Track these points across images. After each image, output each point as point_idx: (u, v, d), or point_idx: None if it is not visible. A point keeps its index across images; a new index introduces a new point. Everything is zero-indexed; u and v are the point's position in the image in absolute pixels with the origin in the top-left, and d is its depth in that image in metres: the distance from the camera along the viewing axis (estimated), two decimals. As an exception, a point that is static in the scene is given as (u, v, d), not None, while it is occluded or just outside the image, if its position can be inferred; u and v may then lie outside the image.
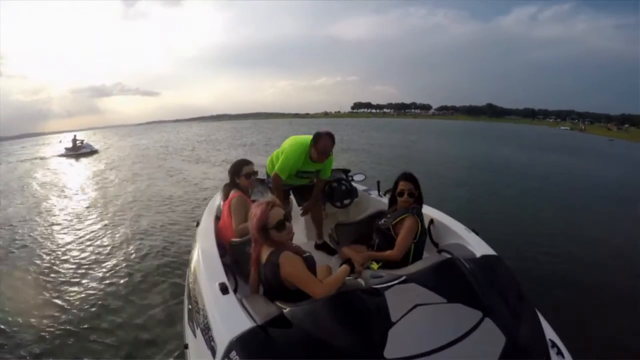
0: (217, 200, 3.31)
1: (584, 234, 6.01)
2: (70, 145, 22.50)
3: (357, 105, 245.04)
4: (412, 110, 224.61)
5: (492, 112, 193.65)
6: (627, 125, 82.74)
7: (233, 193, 2.70)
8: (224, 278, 1.81)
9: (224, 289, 1.67)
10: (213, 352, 1.43)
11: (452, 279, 1.59)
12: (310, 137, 2.98)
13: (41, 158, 22.80)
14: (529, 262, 4.61)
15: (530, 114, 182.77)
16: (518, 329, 1.47)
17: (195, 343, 1.74)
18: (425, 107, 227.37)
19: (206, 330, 1.56)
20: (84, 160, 19.83)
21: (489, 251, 2.10)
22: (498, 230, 5.71)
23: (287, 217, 1.80)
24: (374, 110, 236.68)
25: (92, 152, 22.33)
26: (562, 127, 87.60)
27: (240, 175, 2.76)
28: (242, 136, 33.60)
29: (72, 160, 20.08)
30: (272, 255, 1.70)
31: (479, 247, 2.15)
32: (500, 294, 1.59)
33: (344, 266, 1.70)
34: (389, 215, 2.47)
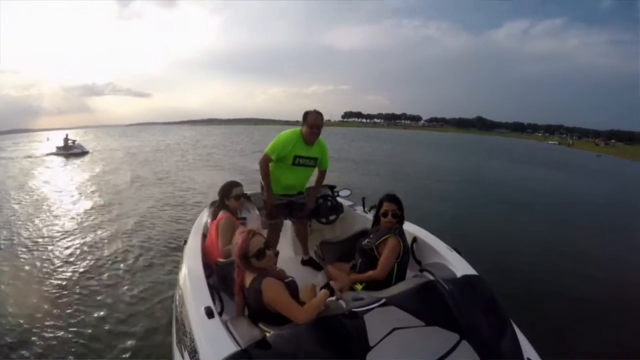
0: (204, 217, 3.27)
1: (569, 249, 6.02)
2: (61, 144, 21.96)
3: (348, 115, 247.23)
4: (402, 121, 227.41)
5: (481, 125, 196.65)
6: (613, 141, 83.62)
7: (222, 214, 2.73)
8: (209, 301, 1.83)
9: (209, 313, 1.70)
10: None
11: (432, 302, 1.65)
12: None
13: (30, 157, 21.82)
14: (514, 277, 4.56)
15: (519, 128, 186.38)
16: (496, 347, 1.54)
17: None
18: (416, 119, 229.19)
19: (193, 354, 1.59)
20: (75, 161, 18.69)
21: (470, 270, 2.14)
22: (483, 244, 5.77)
23: (268, 245, 1.85)
24: (364, 120, 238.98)
25: (83, 153, 21.65)
26: (550, 142, 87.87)
27: (230, 197, 2.79)
28: (232, 143, 32.86)
29: (62, 160, 19.15)
30: (255, 282, 1.76)
31: (460, 267, 2.18)
32: (480, 313, 1.66)
33: (324, 291, 1.78)
34: (371, 236, 2.51)
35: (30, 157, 21.85)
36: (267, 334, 1.52)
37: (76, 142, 22.56)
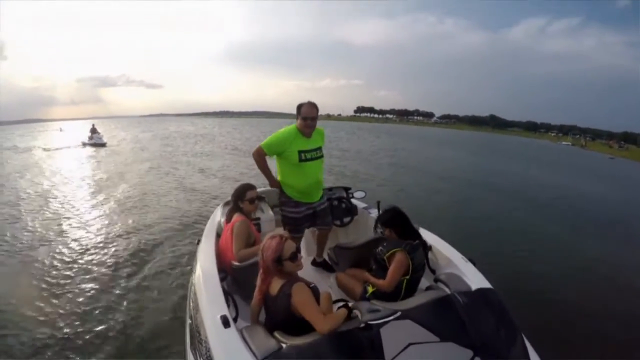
0: (218, 216, 3.30)
1: (585, 258, 5.96)
2: (87, 139, 23.24)
3: (360, 109, 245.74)
4: (415, 117, 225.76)
5: (494, 123, 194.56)
6: (625, 146, 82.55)
7: (236, 217, 2.71)
8: (225, 309, 1.84)
9: (225, 322, 1.71)
10: None
11: (447, 317, 1.67)
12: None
13: (46, 149, 22.06)
14: (528, 284, 4.64)
15: (532, 127, 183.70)
16: None
17: None
18: (428, 115, 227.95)
19: None
20: (93, 153, 19.42)
21: (485, 283, 2.13)
22: (498, 253, 5.78)
23: (298, 249, 1.91)
24: (376, 115, 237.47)
25: (102, 144, 22.38)
26: (563, 142, 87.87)
27: (244, 200, 2.75)
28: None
29: (81, 153, 19.76)
30: (284, 287, 1.77)
31: (475, 279, 2.17)
32: (493, 327, 1.70)
33: (343, 310, 1.76)
34: (385, 244, 2.45)
35: (68, 147, 22.74)
36: (283, 345, 1.55)
37: (96, 135, 23.36)
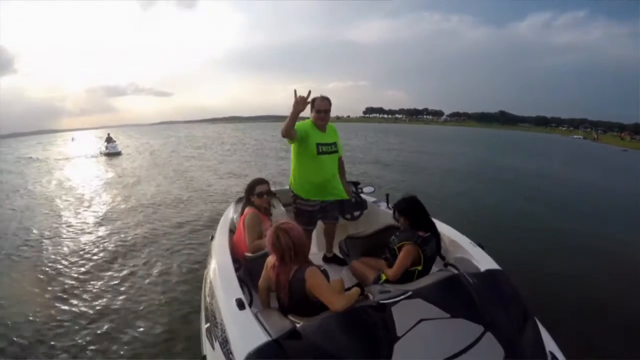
0: (230, 213, 3.45)
1: (602, 250, 5.81)
2: (104, 148, 22.77)
3: (369, 110, 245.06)
4: (424, 116, 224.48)
5: (504, 119, 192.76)
6: (638, 137, 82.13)
7: (247, 210, 2.83)
8: (239, 293, 1.92)
9: (240, 305, 1.77)
10: None
11: (457, 295, 1.67)
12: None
13: (86, 156, 22.89)
14: (542, 274, 4.67)
15: (542, 122, 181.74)
16: (518, 341, 1.57)
17: (213, 355, 1.85)
18: (438, 114, 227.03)
19: (224, 344, 1.67)
20: (109, 161, 19.39)
21: (494, 265, 2.14)
22: (514, 242, 5.89)
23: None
24: (385, 116, 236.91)
25: (116, 153, 22.05)
26: (574, 136, 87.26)
27: (254, 193, 2.87)
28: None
29: (99, 162, 19.71)
30: (298, 272, 1.85)
31: (484, 262, 2.20)
32: (503, 307, 1.67)
33: (356, 288, 1.86)
34: (397, 234, 2.49)
35: (85, 156, 22.89)
36: (297, 325, 1.57)
37: (111, 144, 22.82)
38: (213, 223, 4.93)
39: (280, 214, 3.40)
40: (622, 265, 5.23)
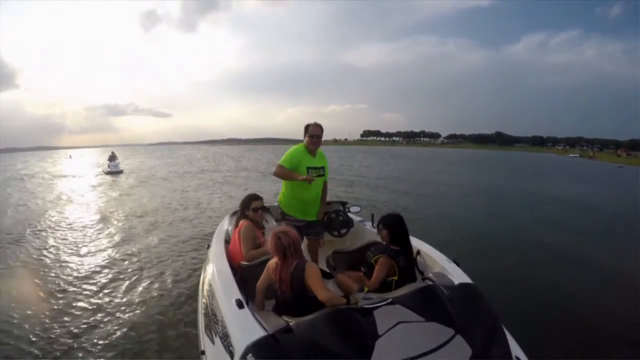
0: (225, 225, 3.70)
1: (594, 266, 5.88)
2: (107, 167, 22.35)
3: (367, 133, 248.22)
4: (421, 139, 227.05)
5: (500, 140, 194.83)
6: (633, 153, 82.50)
7: (242, 222, 3.01)
8: (238, 294, 2.07)
9: (240, 304, 1.93)
10: (231, 355, 1.70)
11: (431, 302, 1.85)
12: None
13: (71, 176, 22.55)
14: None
15: (539, 142, 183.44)
16: (487, 346, 1.73)
17: (213, 349, 2.03)
18: (434, 136, 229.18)
19: (225, 338, 1.83)
20: (112, 179, 19.35)
21: (467, 279, 2.33)
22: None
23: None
24: (383, 139, 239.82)
25: (118, 172, 21.76)
26: (571, 155, 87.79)
27: (250, 208, 3.05)
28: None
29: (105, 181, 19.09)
30: (299, 264, 2.11)
31: (458, 276, 2.37)
32: (474, 316, 1.84)
33: (343, 298, 2.03)
34: (372, 249, 2.76)
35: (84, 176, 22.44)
36: (291, 323, 1.74)
37: (113, 162, 22.55)
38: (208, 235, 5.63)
39: (272, 228, 3.69)
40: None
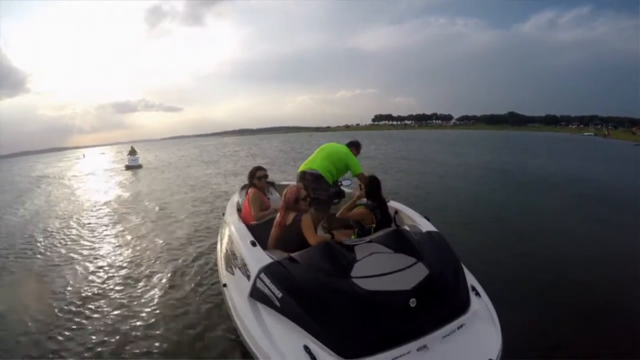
0: (235, 198, 4.26)
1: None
2: (128, 161, 22.62)
3: (378, 118, 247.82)
4: (434, 121, 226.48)
5: (513, 120, 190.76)
6: None
7: (250, 190, 3.68)
8: (251, 237, 2.68)
9: (253, 244, 2.55)
10: (248, 277, 2.31)
11: (400, 240, 2.41)
12: (339, 145, 3.98)
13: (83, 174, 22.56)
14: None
15: (552, 121, 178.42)
16: (445, 274, 2.24)
17: (233, 278, 2.69)
18: (447, 118, 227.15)
19: (243, 267, 2.45)
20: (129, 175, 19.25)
21: (433, 229, 2.87)
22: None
23: (308, 195, 2.84)
24: (394, 122, 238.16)
25: (137, 166, 21.93)
26: (585, 133, 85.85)
27: (256, 177, 3.73)
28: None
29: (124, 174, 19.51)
30: (297, 217, 2.66)
31: (426, 226, 2.92)
32: (436, 252, 2.40)
33: (328, 235, 2.80)
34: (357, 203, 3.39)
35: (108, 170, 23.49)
36: (293, 255, 2.31)
37: (133, 157, 22.55)
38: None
39: (276, 199, 4.28)
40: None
